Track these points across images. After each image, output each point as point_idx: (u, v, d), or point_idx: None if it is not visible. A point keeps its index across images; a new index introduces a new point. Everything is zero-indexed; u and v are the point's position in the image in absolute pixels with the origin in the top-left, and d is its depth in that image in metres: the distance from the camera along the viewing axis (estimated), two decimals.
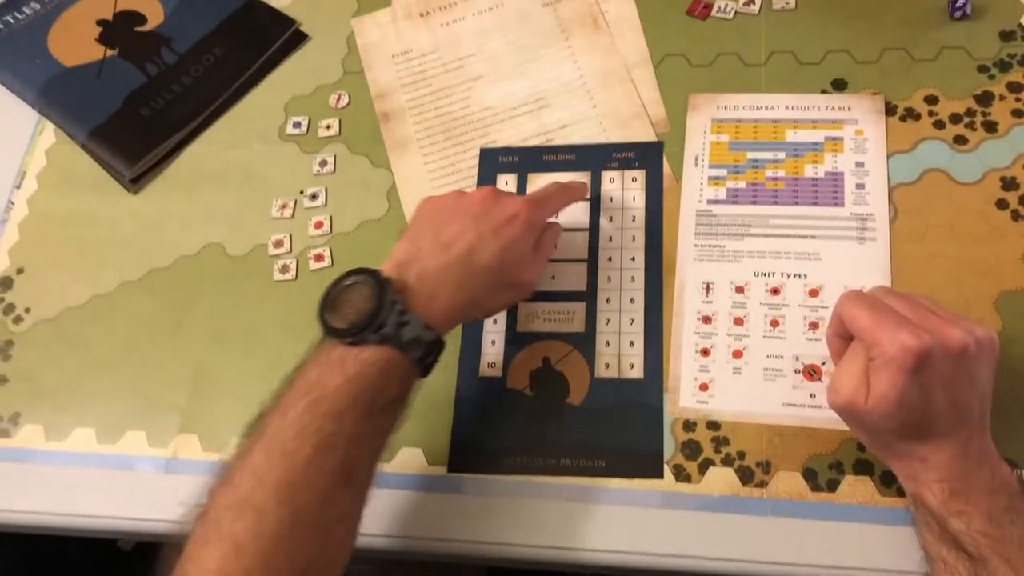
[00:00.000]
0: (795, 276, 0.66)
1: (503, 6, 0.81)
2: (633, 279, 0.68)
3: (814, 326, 0.64)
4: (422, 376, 0.56)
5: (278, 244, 0.75)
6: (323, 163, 0.77)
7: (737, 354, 0.65)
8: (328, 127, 0.79)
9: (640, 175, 0.72)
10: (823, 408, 0.61)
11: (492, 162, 0.75)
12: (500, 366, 0.67)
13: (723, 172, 0.71)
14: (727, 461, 0.61)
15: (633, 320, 0.67)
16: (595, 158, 0.73)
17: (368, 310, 0.53)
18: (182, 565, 0.48)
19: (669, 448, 0.62)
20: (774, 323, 0.65)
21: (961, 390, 0.50)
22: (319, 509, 0.50)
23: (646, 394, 0.64)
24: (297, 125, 0.79)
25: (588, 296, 0.69)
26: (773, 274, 0.67)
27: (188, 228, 0.77)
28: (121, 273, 0.76)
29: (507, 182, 0.74)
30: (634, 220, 0.70)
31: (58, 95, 0.83)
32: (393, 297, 0.54)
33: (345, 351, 0.53)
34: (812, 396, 0.62)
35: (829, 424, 0.61)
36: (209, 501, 0.50)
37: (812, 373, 0.63)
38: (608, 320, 0.67)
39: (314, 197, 0.76)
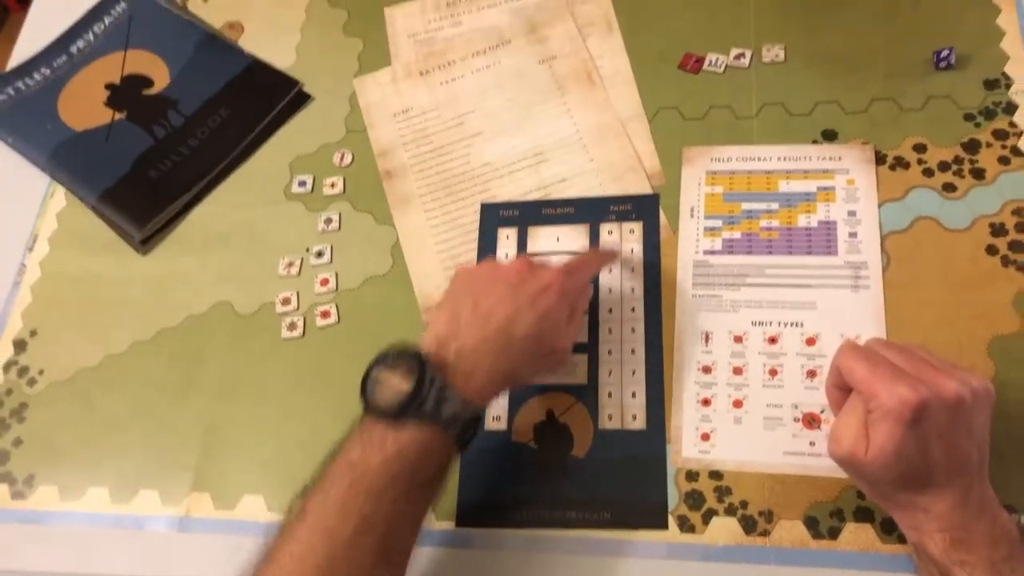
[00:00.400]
0: (792, 325, 0.68)
1: (500, 64, 0.84)
2: (633, 330, 0.70)
3: (812, 374, 0.66)
4: (460, 451, 0.57)
5: (285, 302, 0.76)
6: (328, 221, 0.79)
7: (737, 403, 0.66)
8: (332, 185, 0.81)
9: (637, 227, 0.74)
10: (823, 456, 0.62)
11: (493, 217, 0.77)
12: (505, 419, 0.69)
13: (718, 223, 0.72)
14: (730, 511, 0.63)
15: (635, 371, 0.68)
16: (593, 211, 0.75)
17: (408, 391, 0.54)
18: None
19: (673, 499, 0.64)
20: (772, 372, 0.66)
21: (958, 440, 0.51)
22: None
23: (649, 445, 0.66)
24: (302, 184, 0.81)
25: (590, 348, 0.70)
26: (770, 323, 0.68)
27: (197, 287, 0.78)
28: (132, 333, 0.78)
29: (508, 236, 0.75)
30: (633, 271, 0.72)
31: (68, 159, 0.85)
32: (432, 375, 0.55)
33: (385, 430, 0.54)
34: (812, 444, 0.64)
35: (829, 472, 0.62)
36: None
37: (811, 422, 0.64)
38: (610, 372, 0.69)
39: (320, 255, 0.78)
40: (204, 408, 0.73)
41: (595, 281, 0.72)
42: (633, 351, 0.69)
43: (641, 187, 0.75)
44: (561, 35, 0.84)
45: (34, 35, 0.95)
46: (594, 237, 0.74)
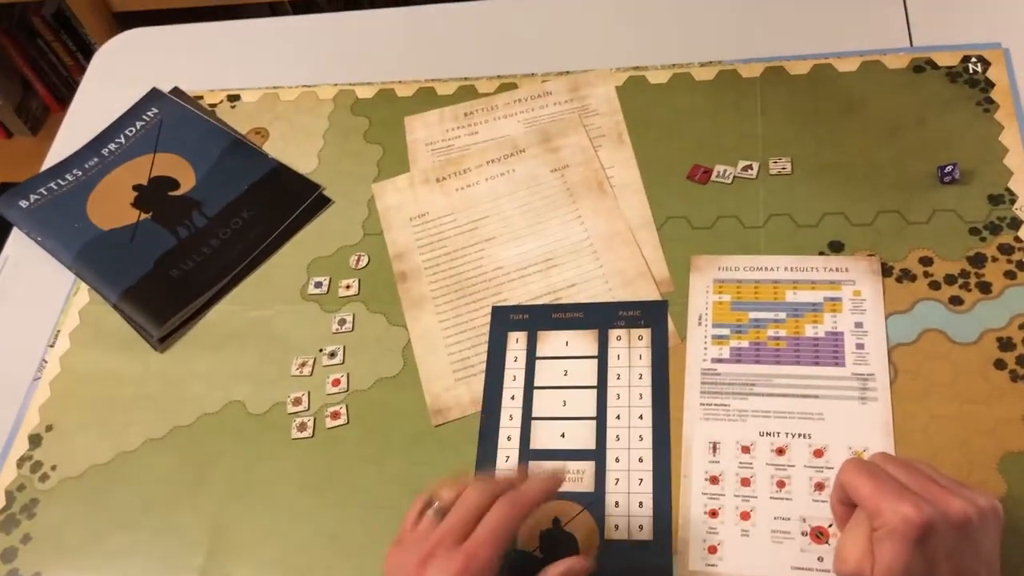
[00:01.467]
0: (799, 436, 0.68)
1: (514, 171, 0.86)
2: (641, 438, 0.70)
3: (819, 487, 0.65)
4: None
5: (297, 402, 0.77)
6: (342, 322, 0.81)
7: (745, 515, 0.65)
8: (348, 287, 0.83)
9: (646, 333, 0.74)
10: (831, 573, 0.62)
11: (503, 320, 0.78)
12: None
13: (726, 331, 0.73)
14: None
15: (642, 480, 0.68)
16: (602, 317, 0.76)
17: None
18: None
19: None
20: (780, 484, 0.66)
21: (966, 561, 0.50)
22: None
23: (655, 557, 0.65)
24: (319, 285, 0.83)
25: (597, 455, 0.70)
26: (778, 434, 0.68)
27: (211, 386, 0.80)
28: (146, 431, 0.79)
29: (517, 339, 0.76)
30: (641, 378, 0.73)
31: (93, 258, 0.88)
32: None
33: None
34: (820, 559, 0.63)
35: None
36: None
37: (819, 535, 0.64)
38: (617, 480, 0.69)
39: (332, 355, 0.79)
40: (212, 508, 0.74)
41: (603, 386, 0.73)
42: (640, 459, 0.69)
43: (650, 293, 0.76)
44: (574, 145, 0.86)
45: (71, 136, 0.99)
46: (603, 342, 0.75)
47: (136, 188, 0.93)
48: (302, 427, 0.76)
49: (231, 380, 0.80)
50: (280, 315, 0.83)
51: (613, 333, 0.75)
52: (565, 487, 0.68)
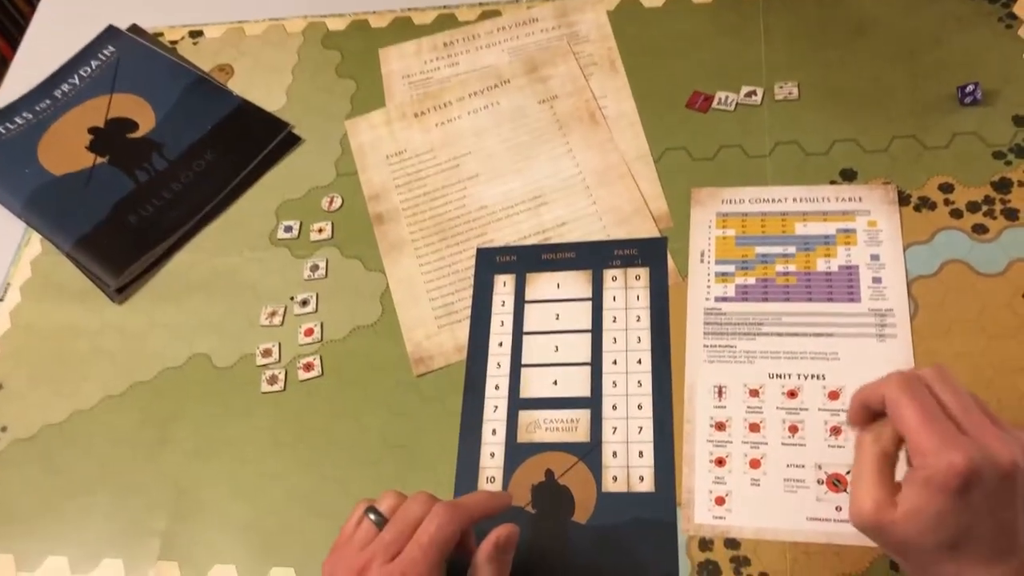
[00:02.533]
0: (813, 377, 0.62)
1: (499, 104, 0.80)
2: (640, 383, 0.64)
3: (836, 431, 0.60)
4: None
5: (266, 353, 0.71)
6: (314, 268, 0.75)
7: (754, 464, 0.60)
8: (320, 230, 0.76)
9: (644, 272, 0.69)
10: (850, 522, 0.57)
11: (489, 262, 0.72)
12: (500, 480, 0.63)
13: (731, 268, 0.67)
14: None
15: (641, 428, 0.63)
16: (596, 256, 0.70)
17: None
18: None
19: (684, 570, 0.57)
20: (793, 429, 0.61)
21: (1007, 514, 0.45)
22: None
23: (658, 510, 0.60)
24: (288, 229, 0.77)
25: (592, 403, 0.64)
26: (789, 376, 0.62)
27: (174, 339, 0.74)
28: (104, 387, 0.73)
29: (504, 283, 0.71)
30: (639, 320, 0.67)
31: (45, 204, 0.81)
32: None
33: None
34: (838, 509, 0.57)
35: (858, 540, 0.56)
36: None
37: (836, 483, 0.58)
38: (615, 429, 0.63)
39: (305, 303, 0.73)
40: (176, 469, 0.68)
41: (598, 330, 0.67)
42: (640, 406, 0.64)
43: (647, 231, 0.70)
44: (563, 74, 0.80)
45: (21, 78, 0.92)
46: (597, 283, 0.69)
47: (91, 131, 0.86)
48: (272, 380, 0.70)
49: (195, 332, 0.74)
50: (247, 262, 0.76)
51: (608, 273, 0.69)
52: (558, 437, 0.63)
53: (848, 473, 0.58)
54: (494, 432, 0.65)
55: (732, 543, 0.58)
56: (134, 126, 0.86)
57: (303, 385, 0.69)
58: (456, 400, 0.67)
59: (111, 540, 0.66)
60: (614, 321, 0.67)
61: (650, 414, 0.63)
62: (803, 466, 0.59)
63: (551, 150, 0.76)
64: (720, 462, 0.60)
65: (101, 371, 0.73)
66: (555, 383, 0.66)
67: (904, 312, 0.63)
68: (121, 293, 0.77)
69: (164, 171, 0.82)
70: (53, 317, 0.77)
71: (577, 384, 0.66)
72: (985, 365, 0.60)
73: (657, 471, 0.61)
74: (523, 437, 0.64)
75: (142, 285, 0.77)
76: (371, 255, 0.74)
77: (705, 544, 0.58)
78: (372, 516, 0.53)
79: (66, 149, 0.85)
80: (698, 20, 0.80)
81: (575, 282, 0.70)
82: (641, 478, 0.61)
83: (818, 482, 0.58)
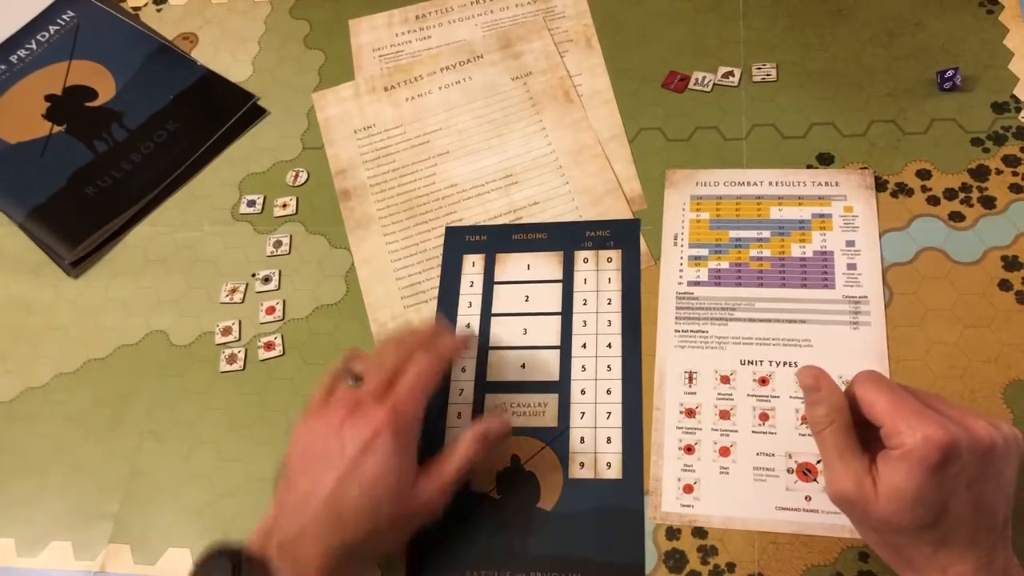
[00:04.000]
0: (785, 364, 0.61)
1: (471, 79, 0.78)
2: (609, 368, 0.63)
3: (807, 420, 0.59)
4: None
5: (226, 332, 0.69)
6: (277, 243, 0.72)
7: (724, 451, 0.59)
8: (284, 205, 0.74)
9: (615, 255, 0.67)
10: (820, 512, 0.56)
11: (458, 242, 0.70)
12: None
13: (704, 252, 0.66)
14: (716, 573, 0.55)
15: (610, 414, 0.61)
16: (568, 237, 0.69)
17: None
18: None
19: (651, 559, 0.56)
20: (763, 416, 0.59)
21: (987, 491, 0.44)
22: None
23: (625, 497, 0.58)
24: (251, 204, 0.75)
25: (561, 387, 0.63)
26: (761, 362, 0.61)
27: (130, 315, 0.71)
28: (56, 364, 0.70)
29: (474, 263, 0.69)
30: (610, 303, 0.65)
31: None
32: (257, 568, 0.50)
33: None
34: (807, 499, 0.56)
35: (827, 531, 0.55)
36: None
37: (806, 472, 0.57)
38: (583, 414, 0.62)
39: (267, 280, 0.71)
40: (130, 449, 0.65)
41: (567, 312, 0.65)
42: (609, 391, 0.62)
43: (621, 212, 0.69)
44: (537, 50, 0.78)
45: None
46: (568, 265, 0.67)
47: (48, 98, 0.83)
48: (232, 359, 0.68)
49: (152, 308, 0.71)
50: (208, 237, 0.74)
51: (580, 255, 0.68)
52: (525, 422, 0.62)
53: (819, 463, 0.57)
54: (459, 416, 0.63)
55: (700, 532, 0.57)
56: (93, 94, 0.83)
57: (263, 365, 0.67)
58: None
59: (61, 522, 0.64)
60: (584, 304, 0.66)
61: (619, 399, 0.62)
62: (773, 455, 0.58)
63: (524, 128, 0.74)
64: (689, 449, 0.59)
65: (54, 347, 0.71)
66: (523, 366, 0.64)
67: (879, 300, 0.62)
68: (76, 267, 0.74)
69: (124, 141, 0.79)
70: (4, 291, 0.74)
71: (546, 368, 0.64)
72: (959, 354, 0.59)
73: (625, 458, 0.60)
74: None
75: (99, 259, 0.74)
76: (336, 232, 0.72)
77: (672, 533, 0.57)
78: (351, 381, 0.57)
79: (21, 117, 0.82)
80: None
81: (546, 263, 0.68)
82: (608, 465, 0.59)
83: (788, 471, 0.57)
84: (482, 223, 0.71)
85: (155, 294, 0.72)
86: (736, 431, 0.59)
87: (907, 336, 0.60)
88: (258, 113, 0.80)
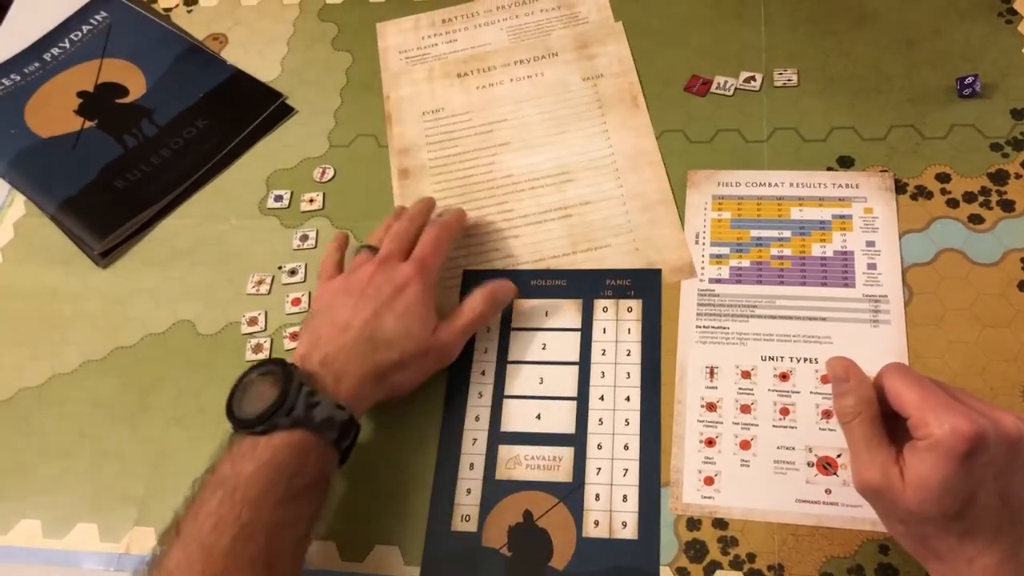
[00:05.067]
0: (805, 360, 0.62)
1: (543, 75, 0.79)
2: (627, 422, 0.62)
3: (827, 415, 0.59)
4: (341, 462, 0.56)
5: (252, 322, 0.70)
6: (304, 237, 0.73)
7: (745, 445, 0.59)
8: (311, 201, 0.75)
9: (636, 305, 0.66)
10: (840, 505, 0.56)
11: (476, 285, 0.66)
12: (475, 520, 0.59)
13: (725, 250, 0.67)
14: (736, 564, 0.55)
15: (627, 471, 0.60)
16: (587, 285, 0.67)
17: (275, 395, 0.53)
18: None
19: (672, 549, 0.56)
20: (784, 411, 0.60)
21: (1013, 483, 0.45)
22: None
23: (640, 559, 0.56)
24: (279, 199, 0.76)
25: (576, 440, 0.61)
26: (782, 358, 0.62)
27: (157, 304, 0.72)
28: (84, 351, 0.71)
29: None
30: (628, 355, 0.64)
31: (30, 166, 0.80)
32: (299, 380, 0.54)
33: (255, 439, 0.52)
34: (828, 492, 0.57)
35: (847, 524, 0.56)
36: None
37: (827, 466, 0.58)
38: (599, 469, 0.60)
39: (293, 272, 0.72)
40: (156, 434, 0.66)
41: (585, 363, 0.64)
42: (626, 446, 0.61)
43: (671, 223, 0.68)
44: (611, 54, 0.79)
45: (9, 40, 0.90)
46: (587, 313, 0.66)
47: (80, 95, 0.85)
48: (257, 348, 0.69)
49: (180, 298, 0.72)
50: (235, 230, 0.75)
51: (599, 303, 0.67)
52: (539, 476, 0.61)
53: (839, 457, 0.58)
54: (471, 467, 0.61)
55: (720, 523, 0.57)
56: (124, 91, 0.84)
57: (288, 354, 0.68)
58: (434, 429, 0.63)
59: (87, 505, 0.64)
60: (603, 354, 0.65)
61: (636, 456, 0.60)
62: (793, 448, 0.59)
63: (587, 128, 0.75)
64: (710, 442, 0.60)
65: (82, 335, 0.72)
66: (538, 417, 0.63)
67: (898, 299, 0.63)
68: (105, 257, 0.75)
69: (153, 137, 0.80)
70: (35, 279, 0.75)
71: (562, 419, 0.62)
72: (979, 354, 0.60)
73: (641, 517, 0.58)
74: (502, 474, 0.61)
75: (127, 250, 0.76)
76: (362, 227, 0.73)
77: (693, 524, 0.57)
78: (368, 250, 0.64)
79: (54, 112, 0.83)
80: (699, 3, 0.80)
81: (564, 311, 0.67)
82: (624, 524, 0.58)
83: (808, 465, 0.58)
84: (504, 267, 0.69)
85: (182, 285, 0.73)
86: (757, 425, 0.60)
87: (927, 335, 0.61)
88: (286, 112, 0.81)
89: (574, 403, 0.63)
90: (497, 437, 0.62)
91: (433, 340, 0.60)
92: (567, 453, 0.61)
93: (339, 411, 0.54)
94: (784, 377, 0.61)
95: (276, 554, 0.50)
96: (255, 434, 0.52)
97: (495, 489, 0.60)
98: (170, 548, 0.49)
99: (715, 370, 0.62)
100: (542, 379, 0.64)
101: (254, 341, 0.69)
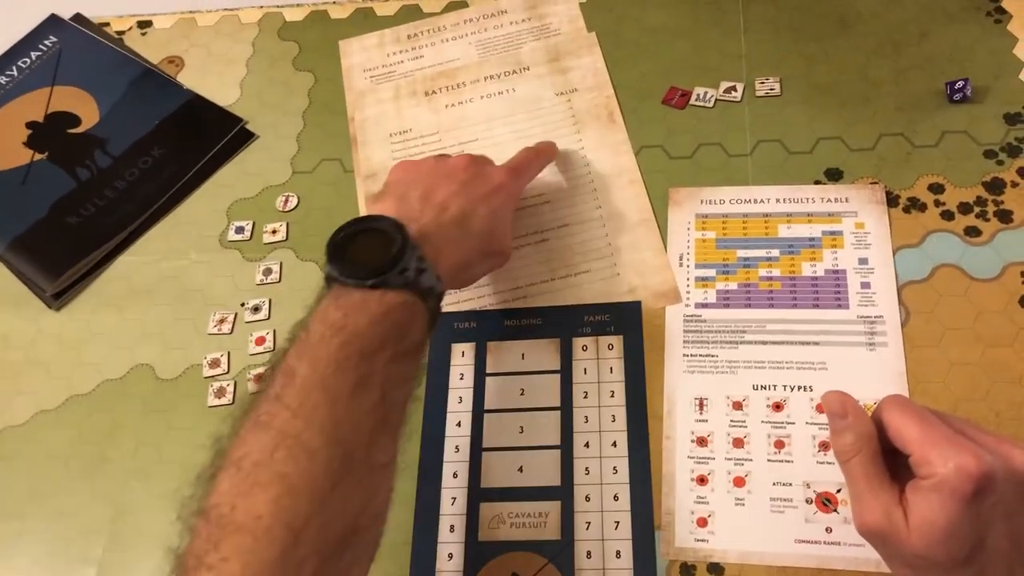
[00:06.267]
0: (799, 389, 0.58)
1: (514, 91, 0.75)
2: (615, 470, 0.58)
3: (824, 447, 0.56)
4: (430, 331, 0.53)
5: (214, 364, 0.66)
6: (267, 271, 0.70)
7: (739, 482, 0.56)
8: (274, 232, 0.71)
9: (616, 342, 0.62)
10: (842, 545, 0.53)
11: (446, 330, 0.64)
12: None
13: (711, 272, 0.63)
14: None
15: (618, 523, 0.56)
16: (564, 322, 0.63)
17: (391, 253, 0.50)
18: (219, 514, 0.43)
19: None
20: (779, 444, 0.57)
21: None
22: (366, 451, 0.45)
23: None
24: (240, 230, 0.72)
25: (563, 493, 0.57)
26: (774, 387, 0.59)
27: (114, 348, 0.68)
28: (37, 401, 0.67)
29: (463, 352, 0.63)
30: (612, 396, 0.60)
31: None
32: (412, 243, 0.51)
33: (367, 293, 0.48)
34: (828, 531, 0.54)
35: (850, 564, 0.52)
36: (240, 447, 0.45)
37: (826, 502, 0.54)
38: (588, 524, 0.56)
39: (256, 309, 0.68)
40: (114, 490, 0.62)
41: (567, 408, 0.60)
42: (616, 497, 0.57)
43: (652, 244, 0.65)
44: (585, 67, 0.75)
45: None
46: (566, 353, 0.62)
47: (29, 125, 0.81)
48: (220, 392, 0.65)
49: (137, 341, 0.68)
50: (195, 265, 0.71)
51: (578, 342, 0.63)
52: (524, 535, 0.57)
53: (839, 492, 0.54)
54: (452, 529, 0.57)
55: (715, 568, 0.54)
56: (76, 121, 0.80)
57: (253, 399, 0.64)
58: (409, 487, 0.59)
59: (42, 567, 0.60)
60: (585, 397, 0.61)
61: (628, 507, 0.56)
62: (790, 484, 0.55)
63: (562, 145, 0.71)
64: (702, 480, 0.56)
65: (35, 383, 0.68)
66: (520, 470, 0.59)
67: (895, 319, 0.59)
68: (58, 299, 0.71)
69: (107, 168, 0.76)
70: None
71: (546, 471, 0.58)
72: (981, 375, 0.57)
73: (636, 574, 0.55)
74: (485, 534, 0.57)
75: (81, 290, 0.71)
76: None
77: (687, 569, 0.54)
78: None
79: (2, 145, 0.79)
80: (675, 12, 0.77)
81: (542, 352, 0.63)
82: None
83: (807, 501, 0.55)
84: (475, 310, 0.65)
85: (140, 326, 0.69)
86: (751, 460, 0.56)
87: (926, 357, 0.58)
88: (246, 137, 0.77)
89: (558, 452, 0.59)
90: (478, 494, 0.58)
91: (505, 244, 0.60)
92: (554, 508, 0.57)
93: (438, 283, 0.52)
94: (778, 407, 0.58)
95: (390, 408, 0.48)
96: (363, 288, 0.49)
97: (479, 552, 0.56)
98: (284, 385, 0.46)
99: (704, 402, 0.59)
100: (522, 428, 0.60)
101: (216, 384, 0.65)
